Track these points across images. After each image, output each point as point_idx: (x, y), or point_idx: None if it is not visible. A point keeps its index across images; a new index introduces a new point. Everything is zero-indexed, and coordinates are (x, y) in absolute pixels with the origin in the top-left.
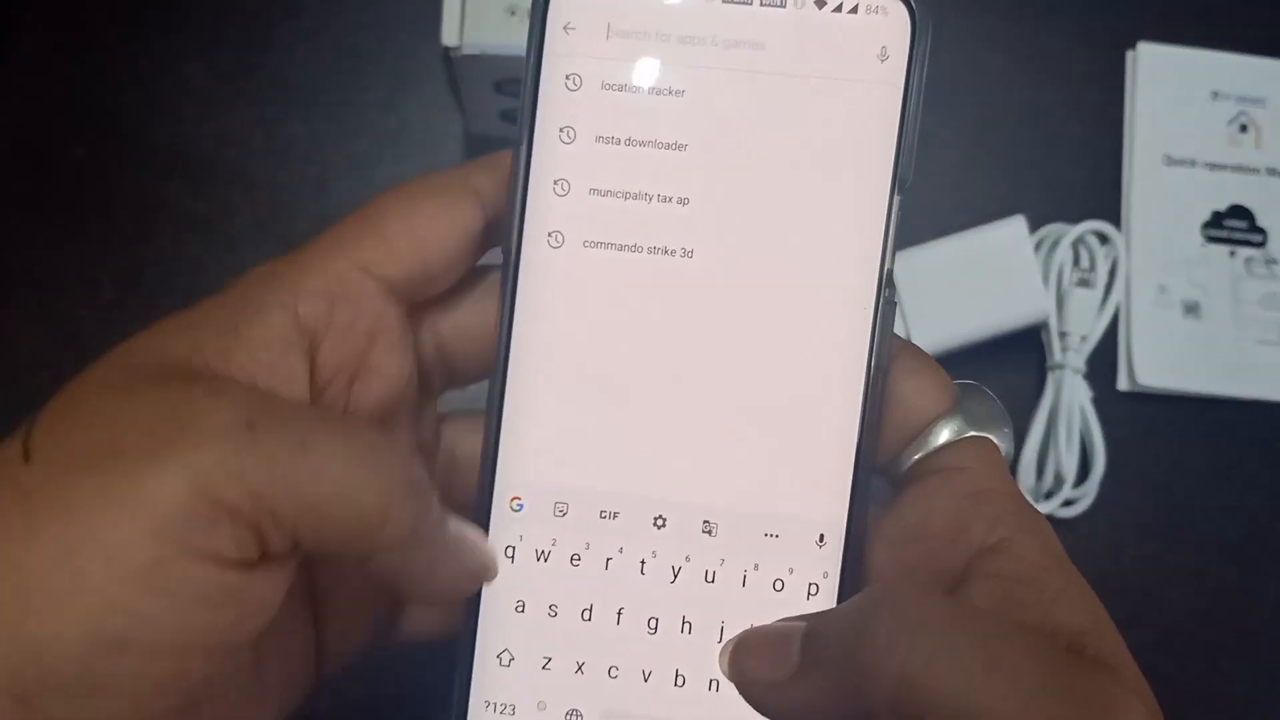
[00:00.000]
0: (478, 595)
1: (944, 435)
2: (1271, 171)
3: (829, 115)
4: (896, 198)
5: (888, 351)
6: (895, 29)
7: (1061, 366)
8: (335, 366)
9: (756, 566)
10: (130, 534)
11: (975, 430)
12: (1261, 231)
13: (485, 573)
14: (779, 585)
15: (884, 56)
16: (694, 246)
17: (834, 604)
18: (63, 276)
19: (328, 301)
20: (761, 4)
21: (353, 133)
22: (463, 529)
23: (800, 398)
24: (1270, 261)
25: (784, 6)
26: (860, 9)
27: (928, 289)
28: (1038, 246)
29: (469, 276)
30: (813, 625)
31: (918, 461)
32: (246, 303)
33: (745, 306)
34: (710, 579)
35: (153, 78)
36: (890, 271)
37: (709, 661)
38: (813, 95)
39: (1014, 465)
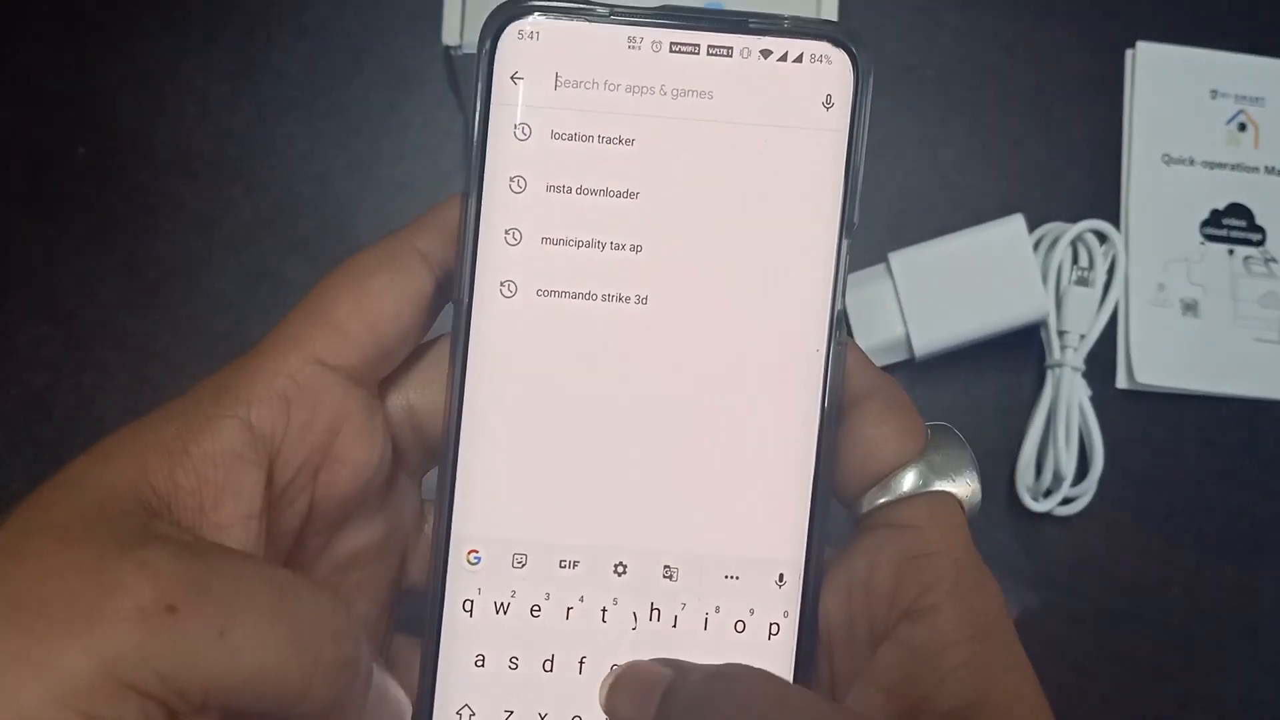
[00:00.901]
0: (435, 650)
1: (907, 482)
2: (1270, 170)
3: (777, 162)
4: (845, 241)
5: (841, 391)
6: (839, 77)
7: (1060, 365)
8: (297, 465)
9: (718, 609)
10: (40, 700)
11: (939, 480)
12: (1260, 230)
13: None
14: (740, 627)
15: (829, 104)
16: (647, 294)
17: (794, 644)
18: (63, 276)
19: (282, 404)
20: (709, 54)
21: (354, 132)
22: (386, 687)
23: (755, 440)
24: (1269, 260)
25: (730, 56)
26: (805, 58)
27: (927, 288)
28: (1037, 245)
29: (428, 341)
30: (674, 682)
31: (878, 507)
32: (196, 416)
33: (698, 352)
34: (673, 624)
35: (153, 76)
36: (842, 313)
37: None
38: (760, 143)
39: (1013, 464)
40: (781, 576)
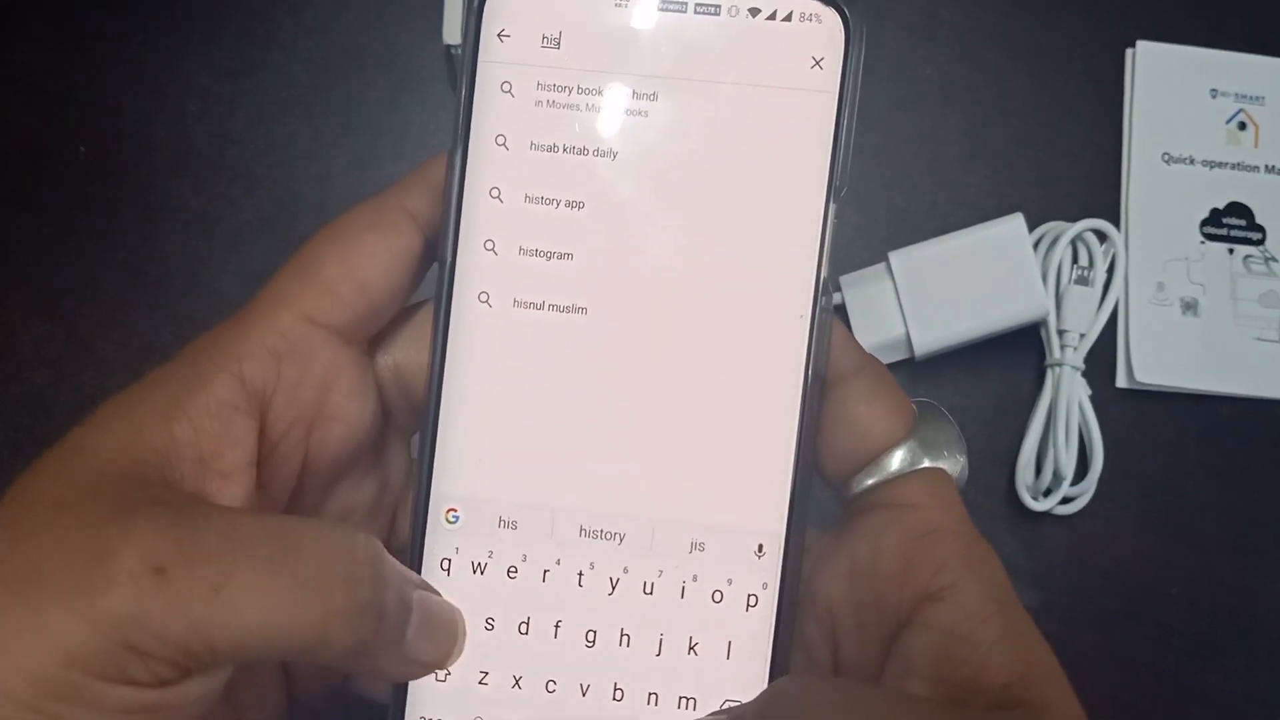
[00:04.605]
0: None
1: (897, 461)
2: (1270, 169)
3: (764, 123)
4: (832, 205)
5: (826, 359)
6: (829, 36)
7: (1060, 364)
8: (289, 420)
9: (695, 578)
10: (46, 664)
11: (929, 457)
12: (1260, 229)
13: (446, 660)
14: (718, 596)
15: (819, 64)
16: (629, 253)
17: (773, 617)
18: (64, 275)
19: (273, 359)
20: (696, 11)
21: (355, 131)
22: (430, 610)
23: (738, 408)
24: (1269, 259)
25: (718, 14)
26: (794, 17)
27: (927, 287)
28: (1037, 244)
29: (415, 303)
30: None
31: (870, 488)
32: (190, 374)
33: (681, 315)
34: (649, 590)
35: (155, 75)
36: (827, 280)
37: (647, 674)
38: (747, 103)
39: (1012, 463)
40: (761, 547)
